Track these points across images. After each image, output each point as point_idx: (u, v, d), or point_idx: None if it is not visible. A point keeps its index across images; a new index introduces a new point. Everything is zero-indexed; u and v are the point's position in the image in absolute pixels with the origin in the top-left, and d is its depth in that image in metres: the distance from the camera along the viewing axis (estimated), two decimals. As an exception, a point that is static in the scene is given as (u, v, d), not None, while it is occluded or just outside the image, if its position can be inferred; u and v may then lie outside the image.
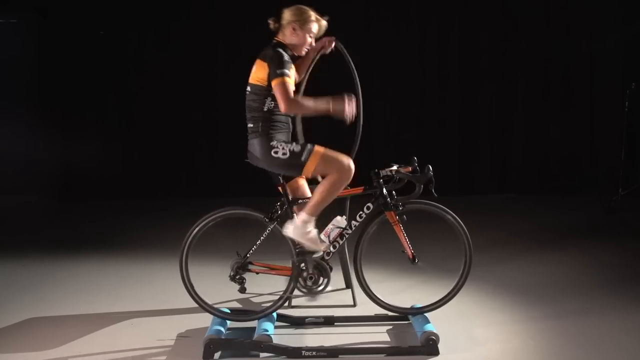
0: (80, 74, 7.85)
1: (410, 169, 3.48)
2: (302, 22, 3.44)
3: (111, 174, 7.95)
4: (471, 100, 7.99)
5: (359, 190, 3.53)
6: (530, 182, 8.03)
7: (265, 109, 3.39)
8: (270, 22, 3.51)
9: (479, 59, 7.93)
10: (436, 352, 3.27)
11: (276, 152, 3.35)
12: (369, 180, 3.52)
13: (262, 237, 3.49)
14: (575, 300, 4.11)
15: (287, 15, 3.47)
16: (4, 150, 8.01)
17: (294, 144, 3.39)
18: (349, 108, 3.30)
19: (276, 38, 3.49)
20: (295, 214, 3.46)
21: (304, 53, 3.55)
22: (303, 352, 3.25)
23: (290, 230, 3.41)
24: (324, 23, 3.52)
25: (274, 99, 3.36)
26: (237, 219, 3.54)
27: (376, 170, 3.50)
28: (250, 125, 3.45)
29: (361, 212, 3.50)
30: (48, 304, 4.13)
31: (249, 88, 3.45)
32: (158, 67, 7.86)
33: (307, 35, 3.47)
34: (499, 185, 8.07)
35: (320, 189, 3.37)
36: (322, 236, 3.51)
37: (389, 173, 3.47)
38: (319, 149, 3.37)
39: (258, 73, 3.39)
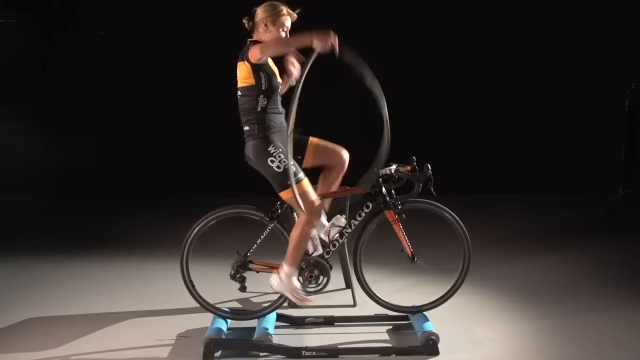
0: (80, 73, 7.85)
1: (409, 168, 3.50)
2: (274, 18, 3.41)
3: (111, 173, 7.94)
4: (471, 100, 7.98)
5: (358, 189, 3.54)
6: (530, 182, 8.02)
7: (259, 109, 3.37)
8: (245, 21, 3.50)
9: (478, 58, 7.92)
10: (436, 352, 3.27)
11: (272, 162, 3.34)
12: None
13: (262, 236, 3.50)
14: (575, 299, 4.11)
15: (259, 12, 3.45)
16: (3, 150, 8.01)
17: (293, 162, 3.34)
18: (334, 39, 3.15)
19: (250, 39, 3.47)
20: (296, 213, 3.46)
21: None
22: (303, 352, 3.25)
23: (275, 284, 3.42)
24: (295, 17, 3.48)
25: (265, 96, 3.36)
26: (237, 218, 3.54)
27: (375, 169, 3.50)
28: (246, 128, 3.44)
29: (361, 211, 3.52)
30: (48, 304, 4.14)
31: (239, 92, 3.44)
32: (158, 66, 7.86)
33: (280, 31, 3.44)
34: (499, 185, 8.07)
35: (293, 237, 3.37)
36: (322, 235, 3.54)
37: (388, 172, 3.49)
38: (304, 184, 3.34)
39: (241, 74, 3.39)
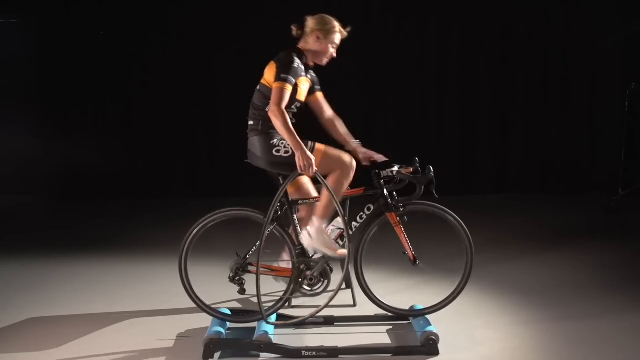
0: (80, 73, 7.85)
1: (411, 169, 3.48)
2: (326, 32, 3.43)
3: (111, 173, 7.95)
4: (471, 100, 7.99)
5: (359, 191, 3.52)
6: (530, 182, 8.03)
7: (266, 110, 3.38)
8: (293, 28, 3.49)
9: (478, 58, 7.93)
10: (436, 352, 3.27)
11: (278, 151, 3.35)
12: (369, 181, 3.51)
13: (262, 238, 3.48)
14: (576, 300, 4.11)
15: (311, 23, 3.45)
16: (3, 149, 8.01)
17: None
18: (307, 168, 3.22)
19: (297, 45, 3.48)
20: (296, 214, 3.46)
21: (324, 63, 3.53)
22: (303, 352, 3.25)
23: (307, 241, 3.41)
24: (345, 35, 3.50)
25: None
26: (237, 220, 3.54)
27: (377, 171, 3.49)
28: (250, 122, 3.46)
29: (362, 213, 3.50)
30: (48, 304, 4.13)
31: (258, 87, 3.46)
32: (158, 67, 7.85)
33: (330, 46, 3.46)
34: (499, 185, 8.08)
35: (325, 192, 3.36)
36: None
37: (389, 174, 3.46)
38: (320, 146, 3.37)
39: (268, 74, 3.40)
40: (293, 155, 3.30)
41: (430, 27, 7.92)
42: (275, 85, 3.27)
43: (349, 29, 3.51)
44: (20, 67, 8.01)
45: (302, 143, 3.24)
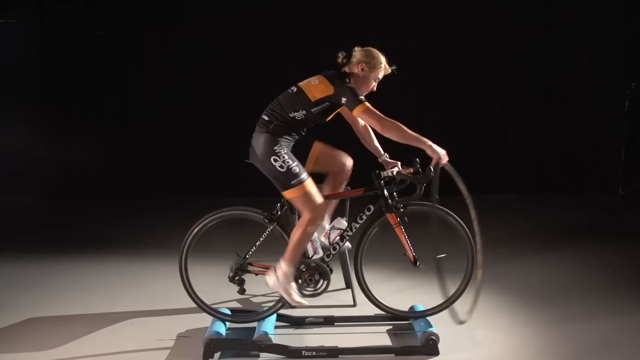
0: (80, 74, 7.86)
1: (411, 170, 3.47)
2: (372, 66, 3.43)
3: (111, 173, 7.95)
4: (471, 100, 7.99)
5: (359, 191, 3.51)
6: (530, 182, 8.03)
7: (290, 115, 3.35)
8: (340, 55, 3.47)
9: (479, 58, 7.93)
10: (436, 352, 3.27)
11: (275, 161, 3.31)
12: (370, 181, 3.49)
13: (261, 238, 3.48)
14: (576, 300, 4.11)
15: (358, 54, 3.44)
16: (3, 150, 8.01)
17: (296, 163, 3.33)
18: (444, 158, 3.26)
19: (345, 69, 3.46)
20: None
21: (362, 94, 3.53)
22: (303, 352, 3.25)
23: (271, 282, 3.39)
24: (389, 72, 3.51)
25: (306, 116, 3.34)
26: (237, 220, 3.54)
27: (377, 171, 3.48)
28: (264, 117, 3.40)
29: (362, 214, 3.49)
30: (48, 304, 4.14)
31: (294, 89, 3.40)
32: (158, 66, 7.86)
33: (372, 80, 3.46)
34: (499, 185, 8.07)
35: (294, 235, 3.34)
36: (323, 238, 3.52)
37: (390, 174, 3.45)
38: (307, 185, 3.31)
39: (315, 88, 3.34)
40: (285, 173, 3.28)
41: (430, 27, 7.92)
42: (361, 110, 3.22)
43: (394, 67, 3.50)
44: (21, 67, 8.01)
45: (425, 139, 3.27)
